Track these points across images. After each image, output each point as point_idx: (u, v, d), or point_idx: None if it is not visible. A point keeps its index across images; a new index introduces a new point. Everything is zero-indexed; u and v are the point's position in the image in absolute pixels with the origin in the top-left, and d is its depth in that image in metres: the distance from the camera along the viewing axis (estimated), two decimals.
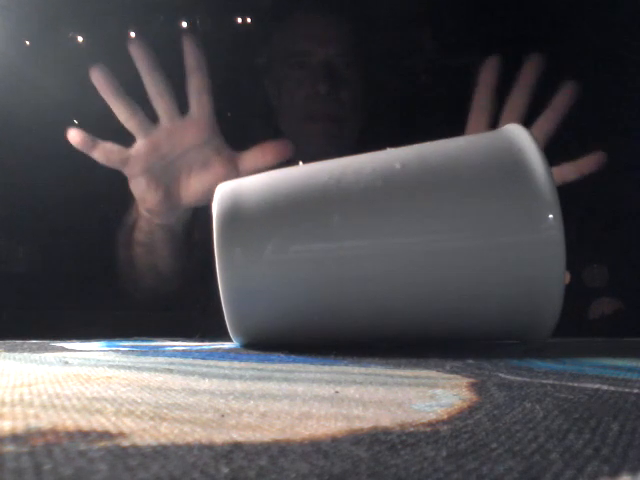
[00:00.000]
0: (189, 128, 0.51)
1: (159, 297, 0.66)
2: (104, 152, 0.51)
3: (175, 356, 0.30)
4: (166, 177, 0.52)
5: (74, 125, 0.50)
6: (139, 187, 0.52)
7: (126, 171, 0.52)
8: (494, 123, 0.52)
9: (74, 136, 0.50)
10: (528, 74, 0.51)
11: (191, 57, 0.50)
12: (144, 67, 0.49)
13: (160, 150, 0.51)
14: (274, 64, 0.78)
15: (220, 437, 0.13)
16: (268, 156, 0.50)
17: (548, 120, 0.50)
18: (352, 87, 0.74)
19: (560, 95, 0.51)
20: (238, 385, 0.20)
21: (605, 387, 0.20)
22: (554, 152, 0.33)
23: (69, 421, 0.15)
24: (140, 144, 0.51)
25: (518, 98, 0.51)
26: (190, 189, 0.53)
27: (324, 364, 0.26)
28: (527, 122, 0.50)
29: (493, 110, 0.52)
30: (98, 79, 0.49)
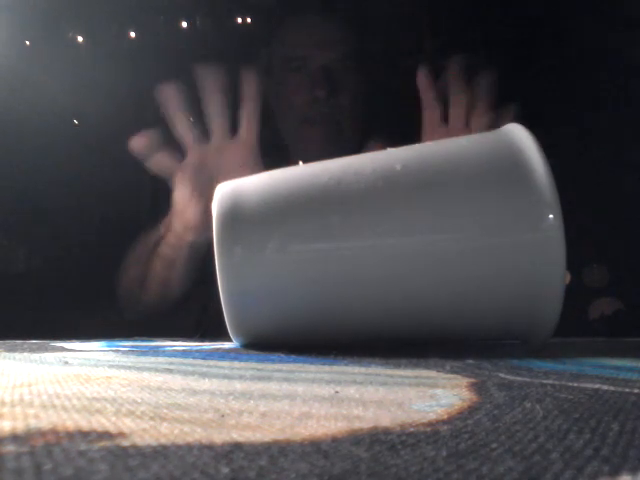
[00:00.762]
0: (235, 149, 0.55)
1: (155, 316, 0.67)
2: (158, 162, 0.54)
3: (175, 356, 0.30)
4: (208, 193, 0.54)
5: (135, 133, 0.52)
6: (183, 198, 0.55)
7: (174, 181, 0.55)
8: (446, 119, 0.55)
9: (138, 142, 0.53)
10: (453, 75, 0.54)
11: (249, 88, 0.54)
12: (211, 87, 0.53)
13: (207, 165, 0.55)
14: (273, 67, 0.78)
15: (220, 437, 0.13)
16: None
17: (480, 113, 0.53)
18: (350, 91, 0.74)
19: (479, 87, 0.54)
20: (238, 385, 0.20)
21: (605, 387, 0.20)
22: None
23: (69, 421, 0.15)
24: (190, 157, 0.54)
25: (456, 98, 0.54)
26: None
27: (324, 364, 0.26)
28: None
29: (442, 109, 0.55)
30: (167, 96, 0.52)
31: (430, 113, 0.56)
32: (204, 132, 0.55)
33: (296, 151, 0.75)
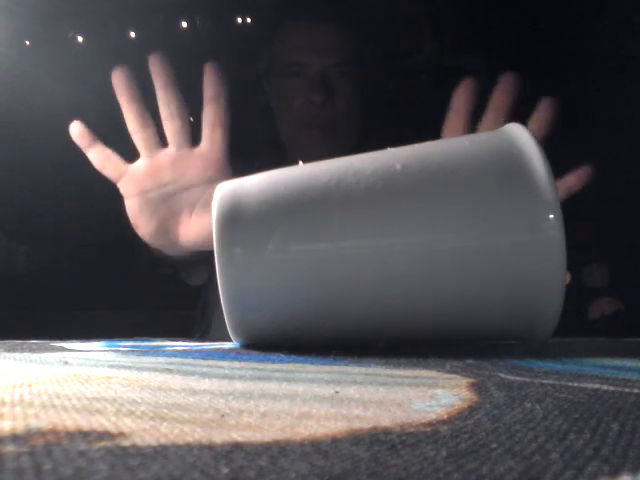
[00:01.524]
0: (196, 162, 0.48)
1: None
2: (101, 155, 0.48)
3: (175, 356, 0.30)
4: (164, 209, 0.49)
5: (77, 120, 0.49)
6: (132, 209, 0.49)
7: (120, 187, 0.49)
8: None
9: (75, 129, 0.48)
10: (500, 94, 0.47)
11: (210, 87, 0.47)
12: (160, 84, 0.47)
13: (161, 176, 0.48)
14: (273, 71, 0.78)
15: (220, 437, 0.13)
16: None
17: (494, 117, 0.47)
18: (348, 95, 0.75)
19: (538, 113, 0.47)
20: (238, 385, 0.20)
21: (605, 387, 0.20)
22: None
23: (69, 421, 0.15)
24: (141, 163, 0.48)
25: (490, 119, 0.47)
26: (190, 230, 0.49)
27: (324, 364, 0.26)
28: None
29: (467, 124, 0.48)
30: (118, 80, 0.46)
31: (454, 126, 0.48)
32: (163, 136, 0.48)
33: (294, 153, 0.76)
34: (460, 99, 0.48)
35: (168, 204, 0.49)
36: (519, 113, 0.47)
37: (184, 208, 0.49)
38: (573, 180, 0.47)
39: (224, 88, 0.47)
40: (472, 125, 0.48)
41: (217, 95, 0.47)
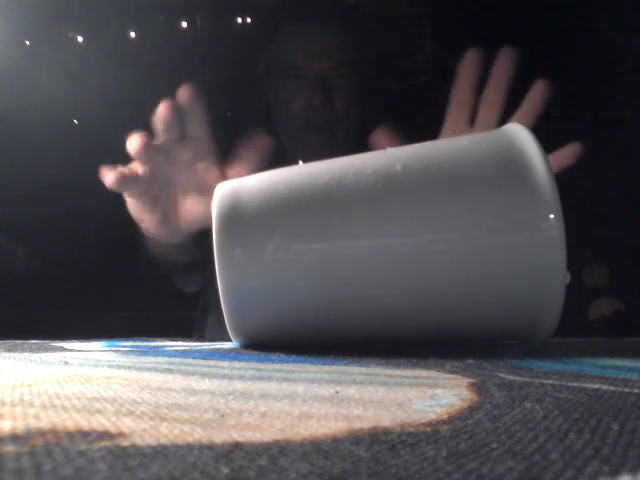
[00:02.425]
0: (185, 151, 0.50)
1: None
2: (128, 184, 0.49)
3: (175, 356, 0.30)
4: (163, 199, 0.51)
5: (108, 163, 0.48)
6: (134, 208, 0.51)
7: (126, 194, 0.50)
8: (473, 119, 0.50)
9: (110, 177, 0.47)
10: (501, 69, 0.49)
11: (191, 113, 0.49)
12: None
13: (156, 173, 0.49)
14: (272, 73, 0.78)
15: (220, 437, 0.13)
16: (255, 157, 0.50)
17: (521, 120, 0.48)
18: (347, 96, 0.75)
19: (532, 93, 0.49)
20: (238, 385, 0.20)
21: (605, 387, 0.20)
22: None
23: (69, 421, 0.15)
24: (139, 166, 0.49)
25: (493, 94, 0.49)
26: (187, 212, 0.52)
27: (324, 364, 0.26)
28: (504, 119, 0.49)
29: (472, 106, 0.50)
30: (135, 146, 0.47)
31: (457, 110, 0.50)
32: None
33: (294, 154, 0.76)
34: (467, 67, 0.50)
35: (165, 194, 0.51)
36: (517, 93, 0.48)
37: (179, 193, 0.52)
38: (562, 156, 0.48)
39: (201, 104, 0.49)
40: (477, 96, 0.50)
41: (199, 115, 0.49)
